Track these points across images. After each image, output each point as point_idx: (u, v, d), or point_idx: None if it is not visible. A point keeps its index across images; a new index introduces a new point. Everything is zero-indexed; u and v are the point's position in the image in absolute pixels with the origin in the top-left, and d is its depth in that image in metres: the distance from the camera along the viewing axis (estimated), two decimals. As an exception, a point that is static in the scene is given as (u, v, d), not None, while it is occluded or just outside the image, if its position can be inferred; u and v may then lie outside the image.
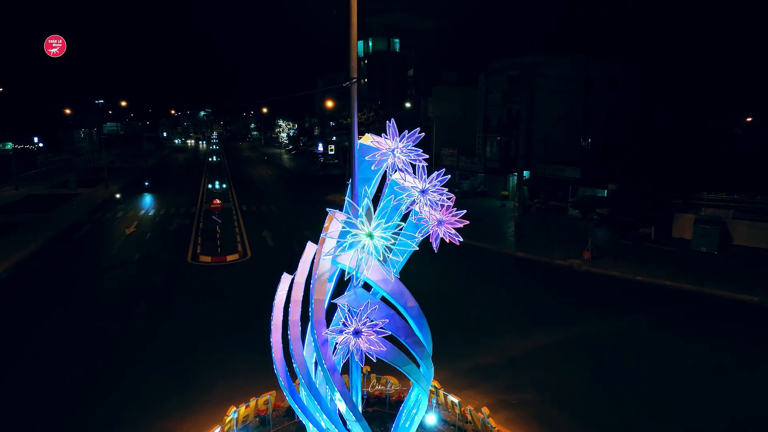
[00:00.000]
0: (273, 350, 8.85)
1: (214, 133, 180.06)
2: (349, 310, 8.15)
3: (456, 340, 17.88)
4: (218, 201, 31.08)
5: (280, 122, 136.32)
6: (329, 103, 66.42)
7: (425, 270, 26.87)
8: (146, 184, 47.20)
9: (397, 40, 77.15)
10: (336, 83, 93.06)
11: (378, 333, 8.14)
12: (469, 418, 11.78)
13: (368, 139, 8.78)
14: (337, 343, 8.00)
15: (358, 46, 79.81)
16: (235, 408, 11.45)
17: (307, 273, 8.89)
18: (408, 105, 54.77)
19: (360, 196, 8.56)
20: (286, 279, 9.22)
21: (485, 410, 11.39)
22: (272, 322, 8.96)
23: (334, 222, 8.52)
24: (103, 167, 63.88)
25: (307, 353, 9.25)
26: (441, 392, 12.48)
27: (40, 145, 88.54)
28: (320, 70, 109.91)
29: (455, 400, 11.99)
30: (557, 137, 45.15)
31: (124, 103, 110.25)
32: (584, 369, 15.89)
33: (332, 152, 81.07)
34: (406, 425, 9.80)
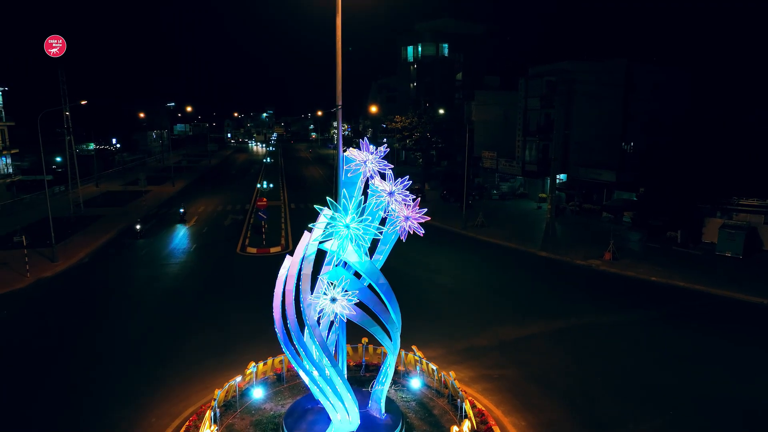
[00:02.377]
0: (273, 311, 11.51)
1: (274, 134, 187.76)
2: (329, 282, 10.75)
3: (459, 326, 20.08)
4: (264, 200, 34.57)
5: (335, 124, 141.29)
6: (373, 109, 69.35)
7: (451, 266, 29.11)
8: (181, 210, 41.39)
9: (445, 45, 79.02)
10: (388, 87, 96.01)
11: (350, 300, 10.68)
12: (443, 381, 14.06)
13: (349, 152, 11.31)
14: (313, 305, 10.64)
15: (408, 52, 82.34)
16: (254, 363, 14.33)
17: (301, 254, 11.50)
18: (441, 111, 56.61)
19: (341, 197, 11.11)
20: (288, 259, 11.89)
21: (452, 373, 13.66)
22: (275, 291, 11.64)
23: (322, 216, 11.12)
24: (170, 166, 69.88)
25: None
26: (424, 361, 14.82)
27: (118, 145, 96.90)
28: (374, 73, 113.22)
29: (434, 367, 14.32)
30: (596, 141, 45.80)
31: (189, 109, 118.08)
32: (568, 354, 17.70)
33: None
34: (383, 380, 12.29)
